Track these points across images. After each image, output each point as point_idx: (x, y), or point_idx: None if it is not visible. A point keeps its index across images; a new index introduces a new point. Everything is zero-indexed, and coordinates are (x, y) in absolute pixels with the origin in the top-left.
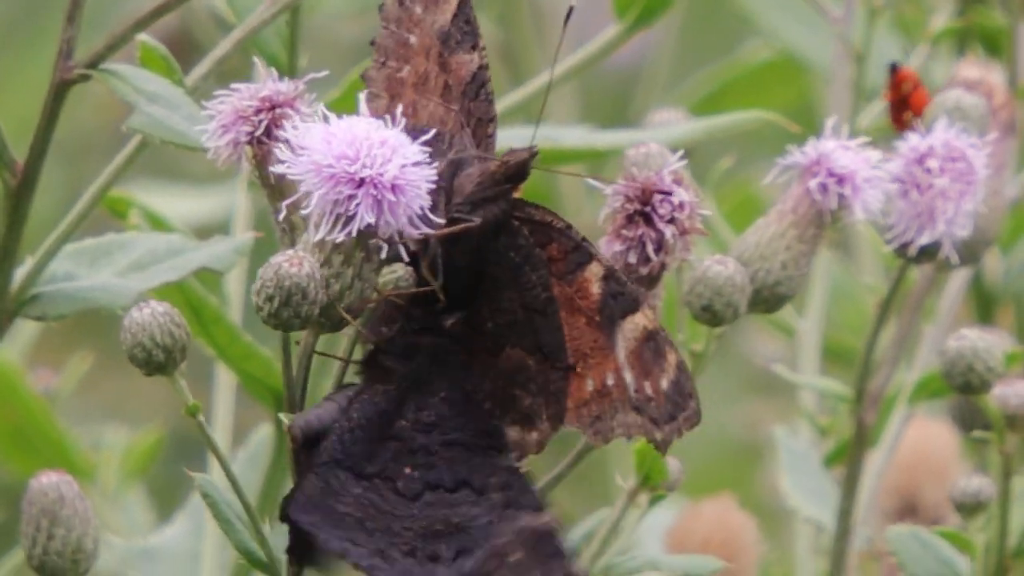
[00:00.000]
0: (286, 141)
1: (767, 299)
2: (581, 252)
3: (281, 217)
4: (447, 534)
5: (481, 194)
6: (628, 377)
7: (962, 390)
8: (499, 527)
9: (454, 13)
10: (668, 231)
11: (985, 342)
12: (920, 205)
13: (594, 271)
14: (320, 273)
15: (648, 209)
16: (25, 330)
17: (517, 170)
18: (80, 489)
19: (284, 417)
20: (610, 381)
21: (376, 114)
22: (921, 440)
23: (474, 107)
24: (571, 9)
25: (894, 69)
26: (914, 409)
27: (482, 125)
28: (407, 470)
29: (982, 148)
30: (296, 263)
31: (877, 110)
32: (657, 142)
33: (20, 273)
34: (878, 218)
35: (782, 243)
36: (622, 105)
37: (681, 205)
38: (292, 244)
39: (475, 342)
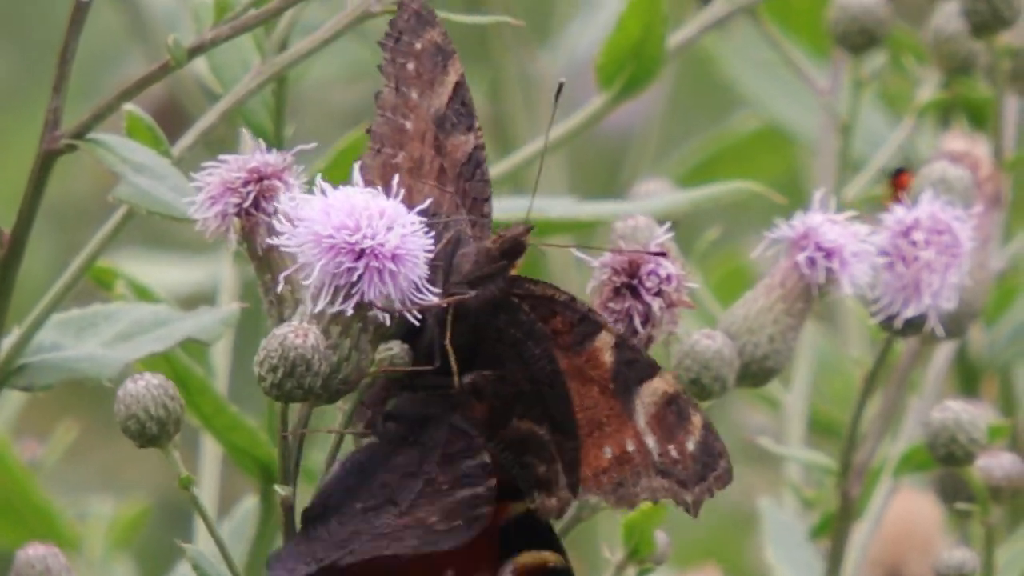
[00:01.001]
0: (283, 212)
1: (755, 373)
2: (588, 323)
3: (279, 290)
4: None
5: (478, 272)
6: (650, 442)
7: (945, 462)
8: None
9: (450, 96)
10: (655, 304)
11: (968, 414)
12: (906, 277)
13: (604, 340)
14: (323, 345)
15: (635, 282)
16: (11, 400)
17: (512, 246)
18: (67, 560)
19: (279, 488)
20: (630, 447)
21: None
22: (906, 512)
23: (469, 187)
24: (561, 85)
25: (898, 173)
26: (899, 481)
27: (478, 204)
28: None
29: (967, 220)
30: (301, 334)
31: (863, 182)
32: (642, 213)
33: (6, 343)
34: (866, 292)
35: (770, 316)
36: (611, 174)
37: (668, 278)
38: (280, 316)
39: (480, 412)
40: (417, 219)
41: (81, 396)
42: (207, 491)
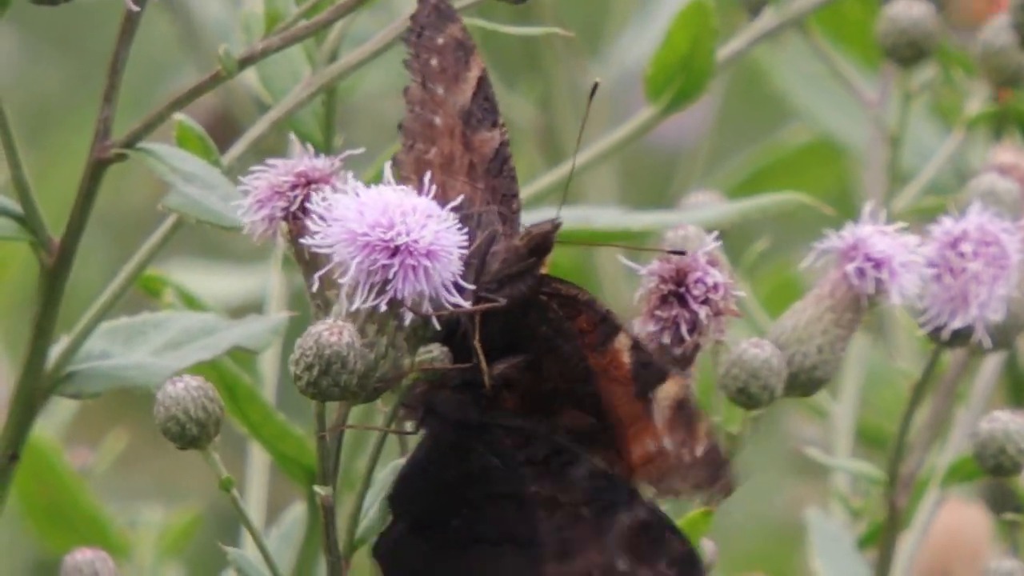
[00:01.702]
0: (317, 213)
1: (804, 383)
2: (608, 324)
3: (315, 289)
4: None
5: (507, 271)
6: (669, 444)
7: (994, 472)
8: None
9: (474, 92)
10: (702, 312)
11: (1017, 424)
12: (953, 289)
13: (623, 342)
14: (359, 342)
15: (682, 290)
16: (63, 408)
17: (541, 243)
18: (115, 566)
19: (318, 489)
20: (655, 447)
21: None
22: (953, 523)
23: (498, 184)
24: (596, 85)
25: None
26: (947, 492)
27: (507, 201)
28: (454, 522)
29: (1016, 233)
30: (336, 332)
31: (912, 193)
32: (691, 223)
33: (56, 351)
34: (914, 303)
35: (819, 327)
36: (662, 186)
37: (715, 286)
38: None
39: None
40: (450, 215)
41: (133, 404)
42: (255, 499)
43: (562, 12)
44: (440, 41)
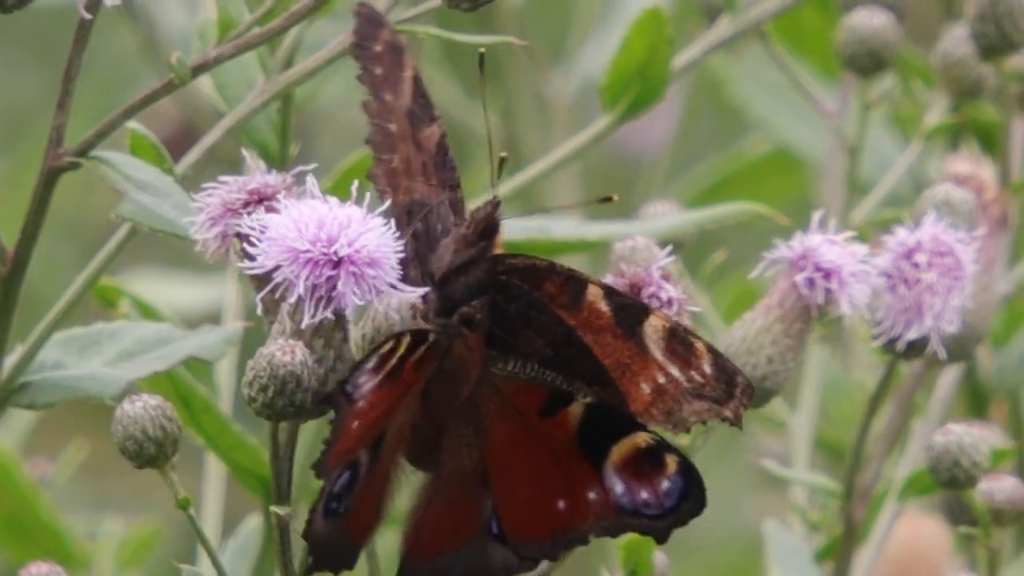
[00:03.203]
0: (249, 232)
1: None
2: (575, 280)
3: (259, 311)
4: None
5: (460, 260)
6: (675, 371)
7: (948, 485)
8: None
9: (411, 91)
10: None
11: (971, 437)
12: (908, 300)
13: (594, 292)
14: (311, 359)
15: None
16: (22, 418)
17: (487, 227)
18: None
19: (275, 509)
20: (661, 379)
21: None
22: (912, 535)
23: (444, 176)
24: (482, 55)
25: None
26: (906, 505)
27: (453, 191)
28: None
29: (971, 243)
30: (288, 351)
31: (871, 204)
32: (648, 234)
33: (9, 361)
34: (864, 312)
35: (768, 337)
36: (624, 196)
37: (669, 301)
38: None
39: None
40: (382, 221)
41: (95, 416)
42: (211, 510)
43: (524, 22)
44: (378, 49)
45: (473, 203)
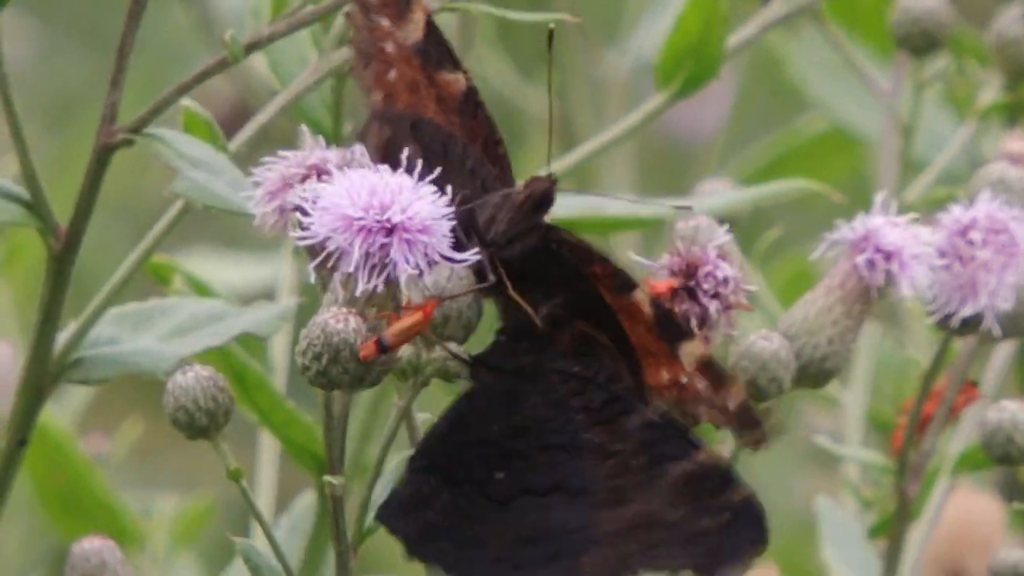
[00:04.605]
0: (302, 202)
1: (814, 374)
2: (622, 277)
3: (312, 280)
4: (538, 539)
5: (515, 230)
6: (701, 386)
7: (1002, 461)
8: (603, 517)
9: (425, 32)
10: (712, 306)
11: None
12: (963, 277)
13: (641, 296)
14: (364, 328)
15: (692, 284)
16: (78, 395)
17: (543, 198)
18: (124, 555)
19: (328, 478)
20: (683, 380)
21: (374, 108)
22: (965, 512)
23: (475, 126)
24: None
25: None
26: (958, 481)
27: (491, 145)
28: (498, 475)
29: None
30: (342, 319)
31: (925, 183)
32: (702, 211)
33: (63, 337)
34: (925, 294)
35: (829, 318)
36: (679, 177)
37: (725, 280)
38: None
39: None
40: (434, 189)
41: (149, 393)
42: (265, 487)
43: (577, 2)
44: None
45: None
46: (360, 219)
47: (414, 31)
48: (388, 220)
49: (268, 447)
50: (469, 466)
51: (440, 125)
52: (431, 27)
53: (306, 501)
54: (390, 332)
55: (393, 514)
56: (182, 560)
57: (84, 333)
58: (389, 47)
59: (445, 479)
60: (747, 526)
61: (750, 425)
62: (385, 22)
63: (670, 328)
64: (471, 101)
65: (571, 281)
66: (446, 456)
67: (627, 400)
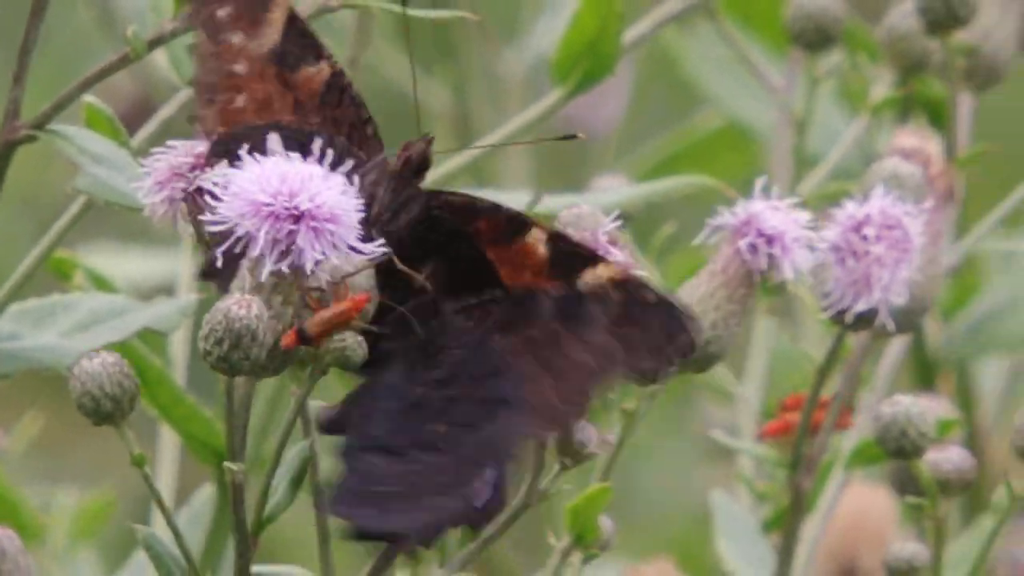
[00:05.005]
0: (212, 188)
1: (698, 359)
2: (516, 222)
3: (219, 265)
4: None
5: (398, 200)
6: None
7: (896, 455)
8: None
9: (283, 32)
10: None
11: (918, 408)
12: (856, 272)
13: (535, 236)
14: (267, 314)
15: None
16: None
17: (419, 161)
18: (23, 545)
19: (228, 465)
20: None
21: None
22: (859, 505)
23: (340, 114)
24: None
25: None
26: (853, 475)
27: (357, 128)
28: (440, 428)
29: (918, 216)
30: (244, 305)
31: (818, 177)
32: (599, 206)
33: None
34: (807, 278)
35: (711, 303)
36: (577, 172)
37: None
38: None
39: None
40: (343, 179)
41: (51, 388)
42: (165, 481)
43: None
44: None
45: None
46: (269, 205)
47: (271, 34)
48: (296, 207)
49: (168, 442)
50: (408, 431)
51: (299, 128)
52: (292, 22)
53: (205, 494)
54: (312, 322)
55: (348, 502)
56: (82, 554)
57: None
58: (238, 67)
59: (388, 452)
60: (672, 324)
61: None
62: (237, 38)
63: (569, 260)
64: (335, 88)
65: (449, 245)
66: (383, 430)
67: (530, 295)
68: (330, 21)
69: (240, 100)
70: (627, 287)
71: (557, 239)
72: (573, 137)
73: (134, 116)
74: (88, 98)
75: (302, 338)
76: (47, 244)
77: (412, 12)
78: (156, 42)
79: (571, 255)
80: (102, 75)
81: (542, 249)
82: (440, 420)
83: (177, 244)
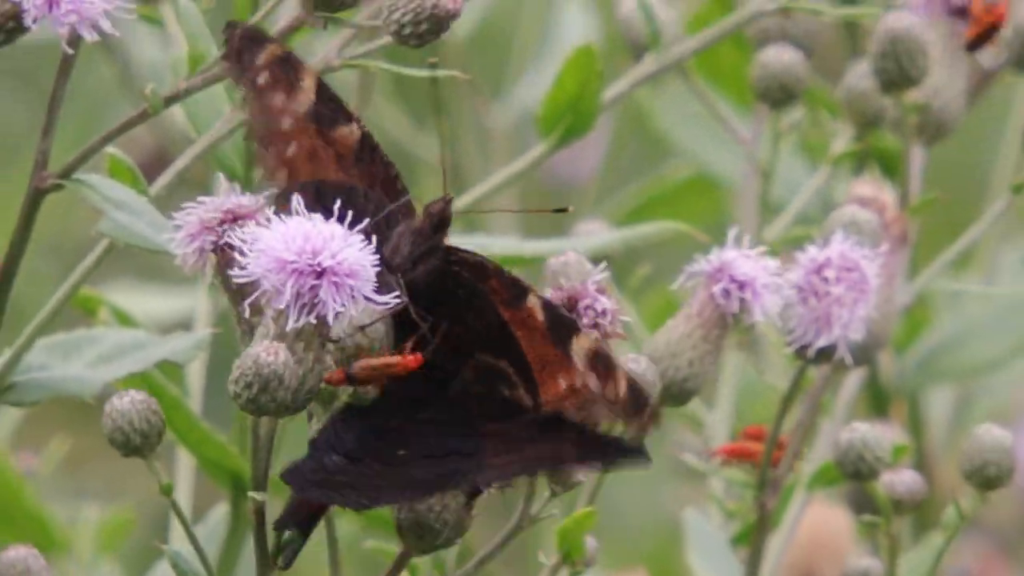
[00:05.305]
0: (241, 246)
1: (676, 394)
2: (518, 287)
3: (246, 316)
4: (435, 479)
5: (418, 252)
6: (592, 383)
7: (853, 477)
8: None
9: (315, 95)
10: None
11: (874, 434)
12: (818, 311)
13: (534, 301)
14: (292, 361)
15: (574, 315)
16: (10, 415)
17: (440, 219)
18: (51, 561)
19: (254, 495)
20: (579, 383)
21: (281, 188)
22: (818, 523)
23: (374, 170)
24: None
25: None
26: (813, 495)
27: (389, 183)
28: (400, 452)
29: (874, 259)
30: (273, 352)
31: (782, 223)
32: (580, 250)
33: None
34: (776, 321)
35: (689, 343)
36: (558, 218)
37: (604, 312)
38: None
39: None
40: (361, 237)
41: (77, 413)
42: (182, 499)
43: (467, 58)
44: (261, 60)
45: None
46: (293, 262)
47: (306, 98)
48: (319, 264)
49: (184, 463)
50: (373, 449)
51: (340, 182)
52: (321, 88)
53: (220, 513)
54: (360, 366)
55: (298, 481)
56: (105, 565)
57: (17, 360)
58: (285, 123)
59: (348, 457)
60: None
61: (639, 406)
62: (279, 100)
63: (560, 328)
64: (367, 147)
65: (471, 301)
66: (351, 443)
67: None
68: (333, 80)
69: (291, 149)
70: (601, 355)
71: (548, 306)
72: (564, 211)
73: (152, 166)
74: (110, 149)
75: (349, 379)
76: (73, 282)
77: (408, 71)
78: (173, 99)
79: (560, 321)
80: (123, 129)
81: (540, 315)
82: (403, 447)
83: (193, 283)
